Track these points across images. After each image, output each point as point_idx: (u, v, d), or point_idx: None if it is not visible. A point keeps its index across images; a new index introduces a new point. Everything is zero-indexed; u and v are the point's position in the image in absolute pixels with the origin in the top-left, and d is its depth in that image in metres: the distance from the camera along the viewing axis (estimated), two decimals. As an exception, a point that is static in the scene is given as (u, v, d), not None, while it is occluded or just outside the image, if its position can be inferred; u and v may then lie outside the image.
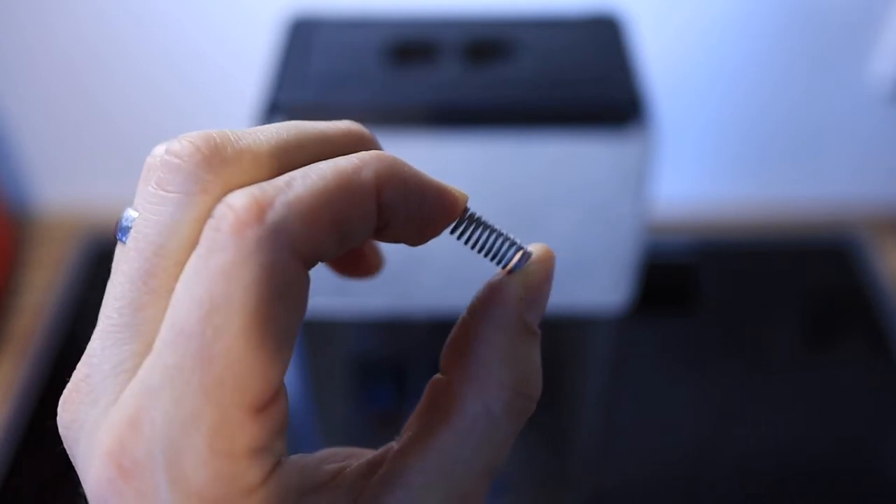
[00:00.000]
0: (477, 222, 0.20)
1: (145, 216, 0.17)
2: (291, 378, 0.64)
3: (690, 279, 0.73)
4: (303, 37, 0.49)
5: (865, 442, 0.62)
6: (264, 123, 0.49)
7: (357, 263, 0.25)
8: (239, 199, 0.16)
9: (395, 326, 0.54)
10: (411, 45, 0.48)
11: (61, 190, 0.80)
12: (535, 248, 0.21)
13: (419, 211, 0.19)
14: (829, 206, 0.80)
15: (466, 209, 0.20)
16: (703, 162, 0.78)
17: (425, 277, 0.49)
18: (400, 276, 0.49)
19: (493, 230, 0.20)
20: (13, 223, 0.78)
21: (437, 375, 0.20)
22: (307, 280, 0.17)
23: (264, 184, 0.17)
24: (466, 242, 0.21)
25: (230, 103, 0.71)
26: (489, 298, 0.20)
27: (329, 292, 0.49)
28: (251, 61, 0.64)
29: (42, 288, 0.73)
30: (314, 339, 0.55)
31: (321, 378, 0.57)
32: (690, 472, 0.60)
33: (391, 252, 0.48)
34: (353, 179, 0.17)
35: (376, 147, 0.20)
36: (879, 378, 0.66)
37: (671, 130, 0.71)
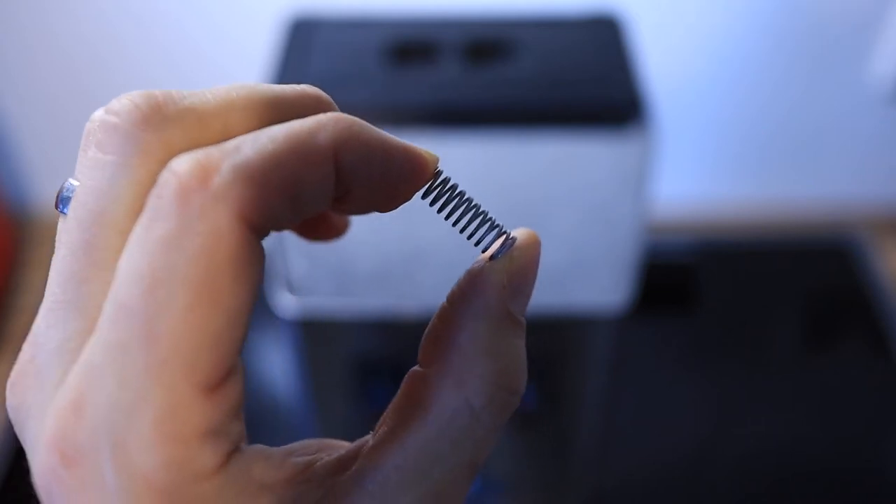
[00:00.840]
0: (452, 189, 0.19)
1: (84, 183, 0.16)
2: (291, 378, 0.64)
3: (690, 279, 0.73)
4: (303, 37, 0.49)
5: (865, 442, 0.62)
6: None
7: (321, 226, 0.23)
8: (182, 164, 0.15)
9: (395, 326, 0.54)
10: (411, 45, 0.48)
11: (61, 190, 0.80)
12: (519, 233, 0.20)
13: (383, 174, 0.18)
14: (829, 206, 0.80)
15: (439, 172, 0.19)
16: (703, 162, 0.78)
17: (424, 277, 0.49)
18: (399, 276, 0.49)
19: (471, 202, 0.19)
20: (13, 223, 0.78)
21: (416, 368, 0.19)
22: (260, 250, 0.16)
23: (211, 148, 0.16)
24: (440, 210, 0.19)
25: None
26: (470, 286, 0.19)
27: (328, 292, 0.49)
28: (251, 61, 0.64)
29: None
30: (314, 339, 0.55)
31: (321, 378, 0.57)
32: (690, 472, 0.60)
33: (390, 252, 0.48)
34: (308, 142, 0.16)
35: (333, 110, 0.19)
36: (879, 378, 0.66)
37: (671, 130, 0.71)
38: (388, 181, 0.18)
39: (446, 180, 0.19)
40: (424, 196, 0.19)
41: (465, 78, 0.46)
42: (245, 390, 0.16)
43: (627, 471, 0.61)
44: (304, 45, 0.48)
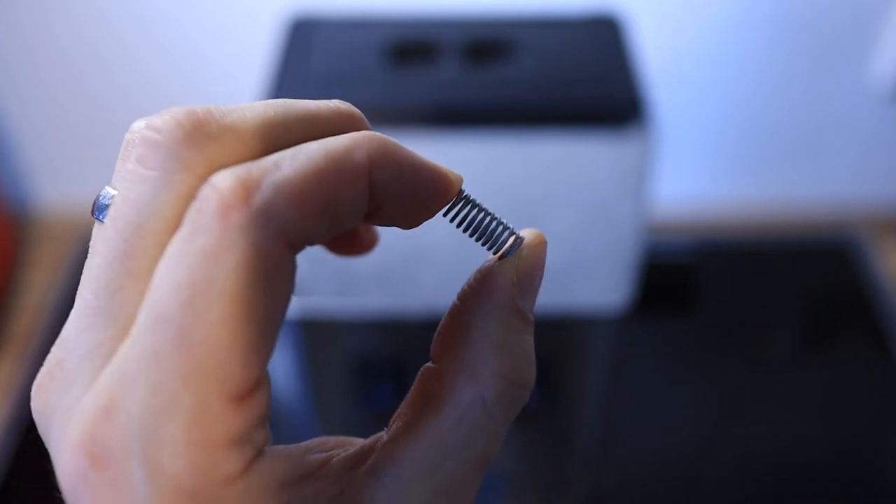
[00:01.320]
0: (472, 205, 0.20)
1: (124, 195, 0.17)
2: (291, 378, 0.64)
3: (690, 279, 0.73)
4: (303, 37, 0.49)
5: (865, 442, 0.62)
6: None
7: (351, 241, 0.24)
8: (224, 181, 0.16)
9: (395, 326, 0.54)
10: (411, 45, 0.48)
11: (61, 190, 0.80)
12: (526, 234, 0.21)
13: (412, 193, 0.18)
14: (829, 206, 0.80)
15: (461, 191, 0.20)
16: (703, 162, 0.78)
17: (425, 277, 0.49)
18: (399, 276, 0.49)
19: (486, 213, 0.20)
20: (13, 223, 0.78)
21: (428, 364, 0.20)
22: (294, 265, 0.17)
23: (251, 164, 0.16)
24: (459, 225, 0.20)
25: (230, 103, 0.71)
26: (481, 285, 0.20)
27: (329, 292, 0.49)
28: (251, 61, 0.64)
29: (42, 288, 0.73)
30: (314, 339, 0.55)
31: (321, 378, 0.57)
32: (690, 472, 0.60)
33: (391, 252, 0.48)
34: (344, 161, 0.17)
35: (366, 127, 0.20)
36: (879, 378, 0.66)
37: (671, 130, 0.71)
38: (416, 199, 0.19)
39: (468, 197, 0.20)
40: (446, 213, 0.20)
41: (465, 78, 0.46)
42: (270, 399, 0.17)
43: (627, 471, 0.61)
44: (304, 45, 0.48)
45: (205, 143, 0.17)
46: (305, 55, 0.47)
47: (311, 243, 0.17)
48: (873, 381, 0.66)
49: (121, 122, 0.79)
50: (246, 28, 0.68)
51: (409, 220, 0.19)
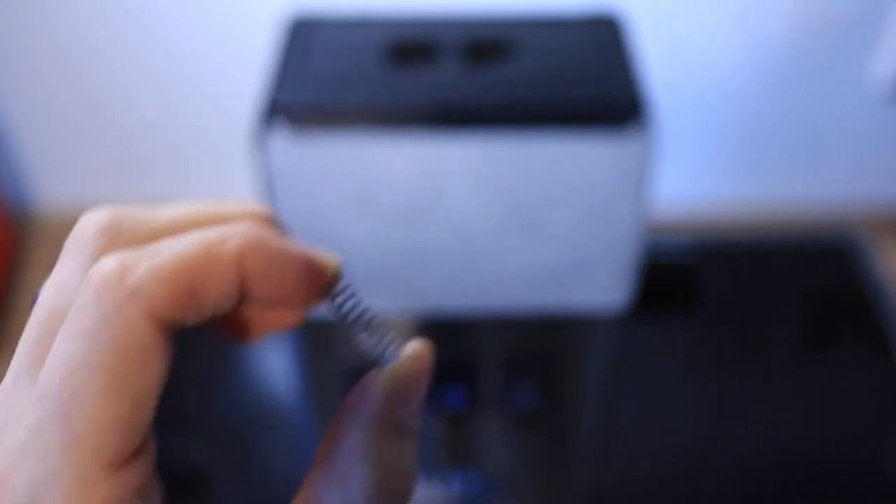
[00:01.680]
0: (350, 298, 0.21)
1: (49, 281, 0.19)
2: (291, 379, 0.64)
3: (690, 279, 0.73)
4: (303, 37, 0.49)
5: (865, 442, 0.62)
6: (265, 123, 0.49)
7: (231, 327, 0.25)
8: (107, 263, 0.17)
9: (395, 327, 0.54)
10: (411, 45, 0.48)
11: (61, 190, 0.80)
12: (410, 346, 0.21)
13: (282, 282, 0.20)
14: (829, 206, 0.80)
15: (337, 282, 0.21)
16: (703, 162, 0.78)
17: (425, 278, 0.49)
18: (400, 277, 0.49)
19: (368, 311, 0.21)
20: (13, 223, 0.78)
21: (312, 468, 0.21)
22: (167, 344, 0.18)
23: (138, 251, 0.18)
24: (341, 318, 0.21)
25: (230, 103, 0.71)
26: (357, 394, 0.21)
27: (329, 292, 0.49)
28: (251, 61, 0.64)
29: (41, 288, 0.73)
30: (314, 339, 0.55)
31: (321, 378, 0.57)
32: (690, 472, 0.60)
33: (390, 253, 0.48)
34: (214, 249, 0.18)
35: (277, 226, 0.21)
36: (879, 378, 0.66)
37: (671, 130, 0.71)
38: (291, 288, 0.20)
39: (344, 290, 0.21)
40: (332, 302, 0.21)
41: (465, 78, 0.46)
42: (153, 469, 0.18)
43: (627, 471, 0.61)
44: (304, 45, 0.48)
45: (115, 234, 0.19)
46: (305, 55, 0.47)
47: (184, 324, 0.18)
48: (873, 381, 0.66)
49: (121, 122, 0.80)
50: (246, 28, 0.68)
51: (290, 306, 0.20)
